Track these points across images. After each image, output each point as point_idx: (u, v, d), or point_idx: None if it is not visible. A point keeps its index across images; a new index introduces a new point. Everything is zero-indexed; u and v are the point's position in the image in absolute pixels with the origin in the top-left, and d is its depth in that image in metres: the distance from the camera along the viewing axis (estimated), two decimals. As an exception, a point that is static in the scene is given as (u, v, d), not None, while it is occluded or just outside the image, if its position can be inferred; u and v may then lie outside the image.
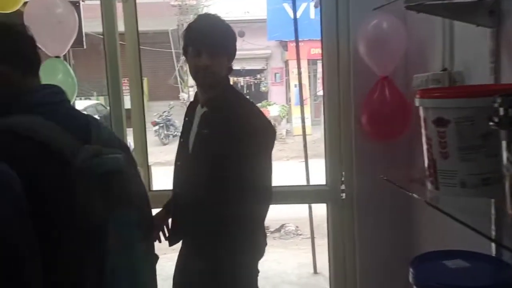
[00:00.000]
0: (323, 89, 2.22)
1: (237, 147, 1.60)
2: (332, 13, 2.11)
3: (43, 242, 1.04)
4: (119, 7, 2.11)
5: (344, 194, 2.19)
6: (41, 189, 1.07)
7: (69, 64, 3.75)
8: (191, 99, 1.85)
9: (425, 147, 1.21)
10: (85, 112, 1.40)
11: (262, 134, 1.71)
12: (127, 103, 2.14)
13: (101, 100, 12.44)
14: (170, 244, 1.82)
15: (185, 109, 1.85)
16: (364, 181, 2.13)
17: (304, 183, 4.36)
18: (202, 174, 1.64)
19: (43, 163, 1.09)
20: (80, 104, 11.02)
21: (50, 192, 1.09)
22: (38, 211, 1.04)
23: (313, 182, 4.25)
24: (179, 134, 1.87)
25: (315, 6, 6.21)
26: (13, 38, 1.21)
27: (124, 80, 2.10)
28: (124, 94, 2.13)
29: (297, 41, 3.96)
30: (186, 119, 1.80)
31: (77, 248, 1.10)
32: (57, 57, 1.97)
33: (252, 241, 1.66)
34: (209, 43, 1.60)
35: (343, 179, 2.18)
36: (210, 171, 1.64)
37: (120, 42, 2.14)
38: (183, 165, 1.77)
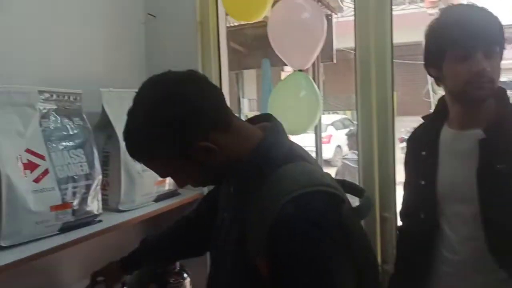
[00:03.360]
0: None
1: None
2: None
3: None
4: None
5: None
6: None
7: (316, 79, 3.63)
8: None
9: None
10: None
11: None
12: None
13: (348, 114, 12.73)
14: None
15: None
16: None
17: None
18: None
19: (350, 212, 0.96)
20: (327, 118, 11.51)
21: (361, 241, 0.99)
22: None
23: None
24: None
25: None
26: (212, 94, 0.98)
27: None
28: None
29: None
30: (424, 153, 1.37)
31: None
32: (300, 70, 1.69)
33: None
34: (483, 37, 1.19)
35: None
36: None
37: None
38: (431, 184, 1.34)
